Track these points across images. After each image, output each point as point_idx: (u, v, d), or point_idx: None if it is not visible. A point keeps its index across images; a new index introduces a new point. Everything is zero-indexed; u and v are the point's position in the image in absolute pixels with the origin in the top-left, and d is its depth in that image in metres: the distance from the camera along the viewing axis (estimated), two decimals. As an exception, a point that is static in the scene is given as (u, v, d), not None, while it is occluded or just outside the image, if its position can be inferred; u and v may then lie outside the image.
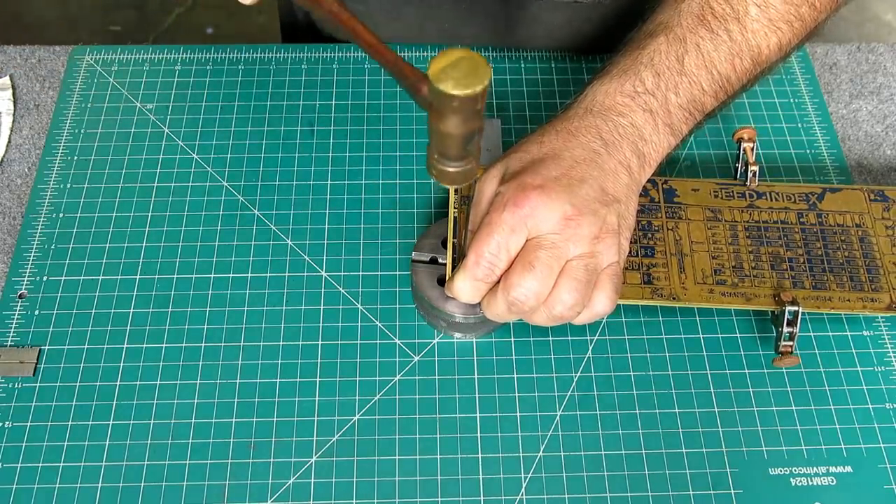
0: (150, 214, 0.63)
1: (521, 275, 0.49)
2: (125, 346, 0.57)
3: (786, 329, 0.54)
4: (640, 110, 0.53)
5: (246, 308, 0.59)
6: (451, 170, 0.45)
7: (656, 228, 0.58)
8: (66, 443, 0.53)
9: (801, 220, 0.59)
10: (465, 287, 0.51)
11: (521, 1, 0.65)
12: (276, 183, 0.65)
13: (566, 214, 0.49)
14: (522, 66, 0.72)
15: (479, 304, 0.52)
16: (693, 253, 0.57)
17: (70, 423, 0.54)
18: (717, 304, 0.55)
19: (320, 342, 0.57)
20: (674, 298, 0.55)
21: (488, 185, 0.53)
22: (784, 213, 0.59)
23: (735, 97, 0.58)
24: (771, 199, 0.60)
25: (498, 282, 0.50)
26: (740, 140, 0.61)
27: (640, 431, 0.54)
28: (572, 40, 0.72)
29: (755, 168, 0.60)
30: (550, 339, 0.58)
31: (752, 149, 0.61)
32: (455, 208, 0.56)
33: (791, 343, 0.55)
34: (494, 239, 0.49)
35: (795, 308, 0.54)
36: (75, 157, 0.66)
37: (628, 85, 0.53)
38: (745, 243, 0.58)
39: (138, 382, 0.56)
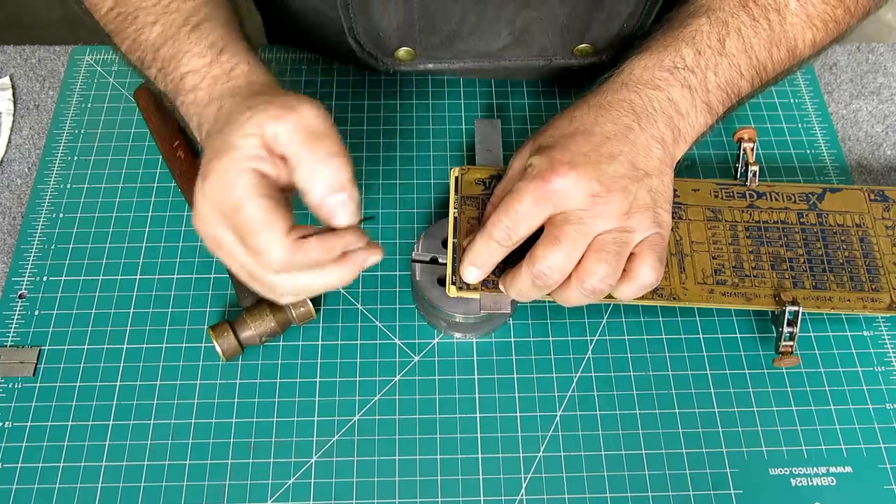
0: (150, 214, 0.63)
1: (546, 247, 0.49)
2: (125, 346, 0.57)
3: (786, 329, 0.54)
4: (679, 85, 0.52)
5: (246, 308, 0.59)
6: None
7: None
8: (66, 443, 0.53)
9: (801, 220, 0.59)
10: (482, 249, 0.51)
11: (522, 68, 0.67)
12: (276, 183, 0.65)
13: (593, 192, 0.49)
14: (523, 81, 0.72)
15: (501, 285, 0.52)
16: (693, 253, 0.57)
17: (70, 423, 0.54)
18: (718, 303, 0.55)
19: (320, 342, 0.57)
20: (674, 298, 0.55)
21: (518, 161, 0.54)
22: (784, 213, 0.59)
23: (767, 87, 0.58)
24: (771, 200, 0.60)
25: (516, 256, 0.51)
26: (740, 140, 0.61)
27: (640, 431, 0.54)
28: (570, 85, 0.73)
29: (755, 168, 0.60)
30: (550, 339, 0.58)
31: (753, 149, 0.60)
32: (455, 208, 0.56)
33: (791, 343, 0.55)
34: (516, 207, 0.49)
35: (796, 308, 0.54)
36: (75, 157, 0.66)
37: (668, 60, 0.53)
38: (746, 243, 0.58)
39: (138, 382, 0.56)
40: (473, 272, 0.52)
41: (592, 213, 0.49)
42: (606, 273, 0.49)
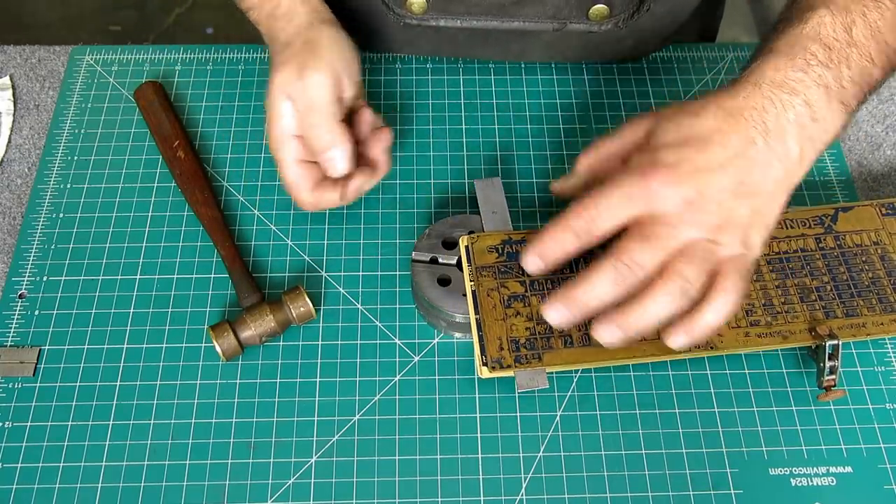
0: (150, 214, 0.63)
1: (634, 241, 0.47)
2: (125, 346, 0.57)
3: (828, 364, 0.53)
4: (815, 85, 0.49)
5: (246, 308, 0.59)
6: None
7: None
8: (66, 443, 0.53)
9: (819, 245, 0.58)
10: (553, 237, 0.49)
11: (535, 32, 0.66)
12: (276, 183, 0.65)
13: (689, 198, 0.47)
14: (523, 78, 0.72)
15: (565, 291, 0.49)
16: None
17: (70, 423, 0.54)
18: (756, 347, 0.54)
19: (320, 342, 0.57)
20: (711, 348, 0.54)
21: (630, 131, 0.53)
22: (802, 240, 0.58)
23: None
24: (787, 227, 0.59)
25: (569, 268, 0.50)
26: None
27: (640, 431, 0.54)
28: (586, 59, 0.72)
29: None
30: (550, 339, 0.58)
31: None
32: (471, 281, 0.55)
33: (834, 377, 0.53)
34: (606, 198, 0.48)
35: (836, 342, 0.53)
36: (75, 157, 0.66)
37: (799, 59, 0.50)
38: (770, 277, 0.56)
39: (138, 382, 0.56)
40: (534, 262, 0.51)
41: (684, 220, 0.47)
42: (694, 276, 0.47)
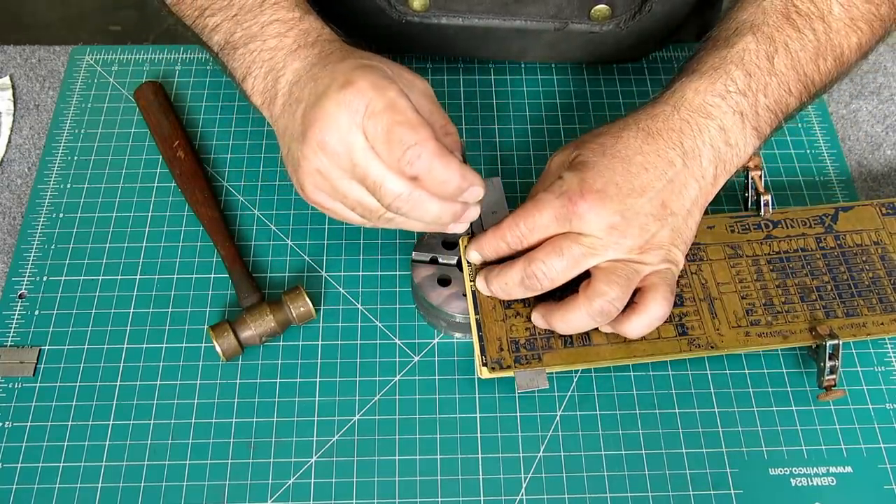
0: (150, 214, 0.63)
1: (548, 254, 0.50)
2: (125, 346, 0.57)
3: (828, 363, 0.53)
4: (731, 112, 0.52)
5: (246, 308, 0.59)
6: None
7: (680, 274, 0.56)
8: (66, 443, 0.53)
9: (820, 245, 0.58)
10: (491, 242, 0.52)
11: (537, 31, 0.66)
12: (276, 183, 0.65)
13: (613, 223, 0.50)
14: (523, 78, 0.72)
15: (489, 272, 0.53)
16: (721, 295, 0.56)
17: (70, 423, 0.54)
18: (756, 346, 0.54)
19: (320, 342, 0.57)
20: (712, 347, 0.54)
21: (557, 160, 0.55)
22: (802, 239, 0.58)
23: (814, 99, 0.57)
24: (787, 227, 0.59)
25: (513, 257, 0.52)
26: (746, 168, 0.59)
27: (640, 431, 0.54)
28: (586, 60, 0.72)
29: (767, 198, 0.59)
30: (550, 339, 0.58)
31: (760, 177, 0.59)
32: (471, 282, 0.55)
33: (834, 377, 0.54)
34: (535, 217, 0.51)
35: (836, 342, 0.53)
36: (75, 157, 0.66)
37: (719, 84, 0.52)
38: (771, 277, 0.57)
39: (138, 382, 0.56)
40: (475, 256, 0.55)
41: (605, 243, 0.50)
42: (616, 296, 0.50)
